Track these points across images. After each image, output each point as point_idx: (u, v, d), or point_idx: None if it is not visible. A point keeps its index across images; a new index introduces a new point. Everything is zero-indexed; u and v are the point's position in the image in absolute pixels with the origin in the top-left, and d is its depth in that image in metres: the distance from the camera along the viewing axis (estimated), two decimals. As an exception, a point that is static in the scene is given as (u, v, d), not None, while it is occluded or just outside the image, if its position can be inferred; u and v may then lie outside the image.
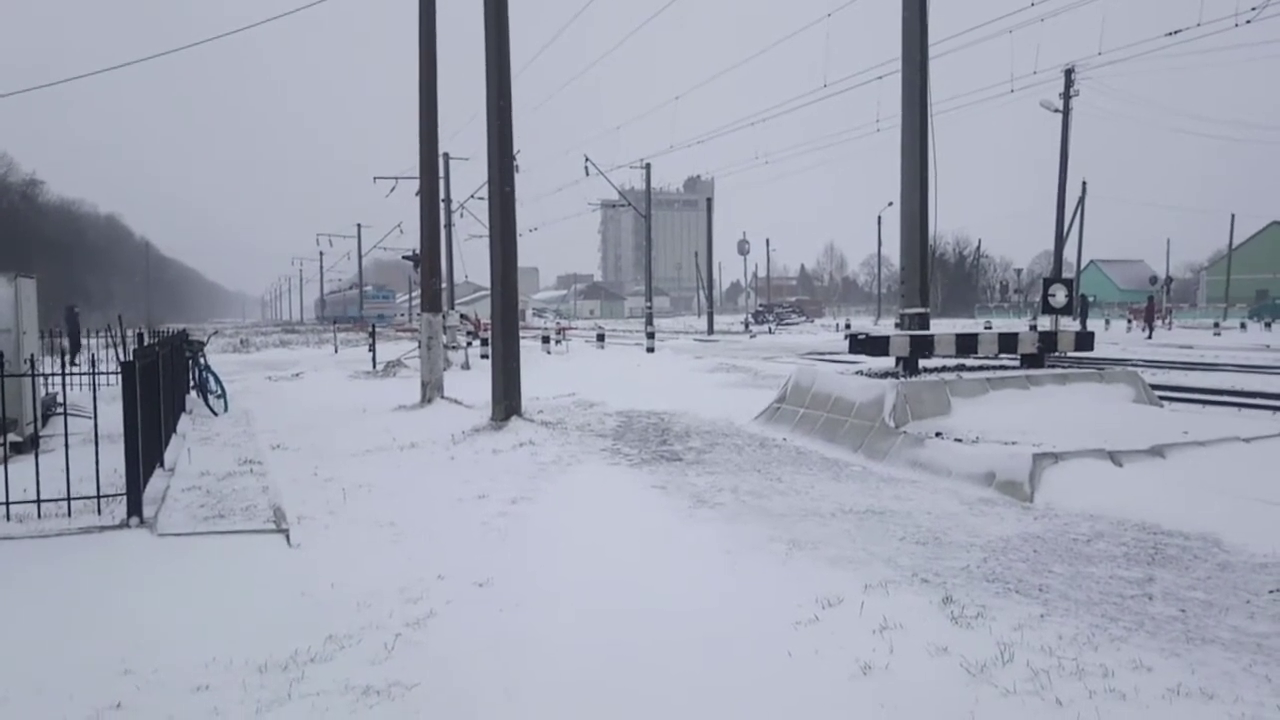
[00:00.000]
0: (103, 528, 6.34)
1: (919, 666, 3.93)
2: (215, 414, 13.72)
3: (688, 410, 13.26)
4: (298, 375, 21.30)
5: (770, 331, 53.91)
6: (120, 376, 6.67)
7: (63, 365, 7.69)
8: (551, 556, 5.87)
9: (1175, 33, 19.29)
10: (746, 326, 59.56)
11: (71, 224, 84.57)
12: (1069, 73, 33.77)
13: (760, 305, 78.23)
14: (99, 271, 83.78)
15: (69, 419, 7.62)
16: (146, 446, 7.10)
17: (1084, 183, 42.95)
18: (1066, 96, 34.19)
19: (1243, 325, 44.96)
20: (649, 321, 39.20)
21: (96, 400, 7.28)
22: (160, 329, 19.95)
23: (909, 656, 4.03)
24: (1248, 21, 16.51)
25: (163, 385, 9.18)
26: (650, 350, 28.73)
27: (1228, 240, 68.85)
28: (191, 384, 14.91)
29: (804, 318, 74.15)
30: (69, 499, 6.66)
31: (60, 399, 11.87)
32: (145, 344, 8.42)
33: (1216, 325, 42.51)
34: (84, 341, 24.85)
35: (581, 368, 21.36)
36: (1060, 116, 34.46)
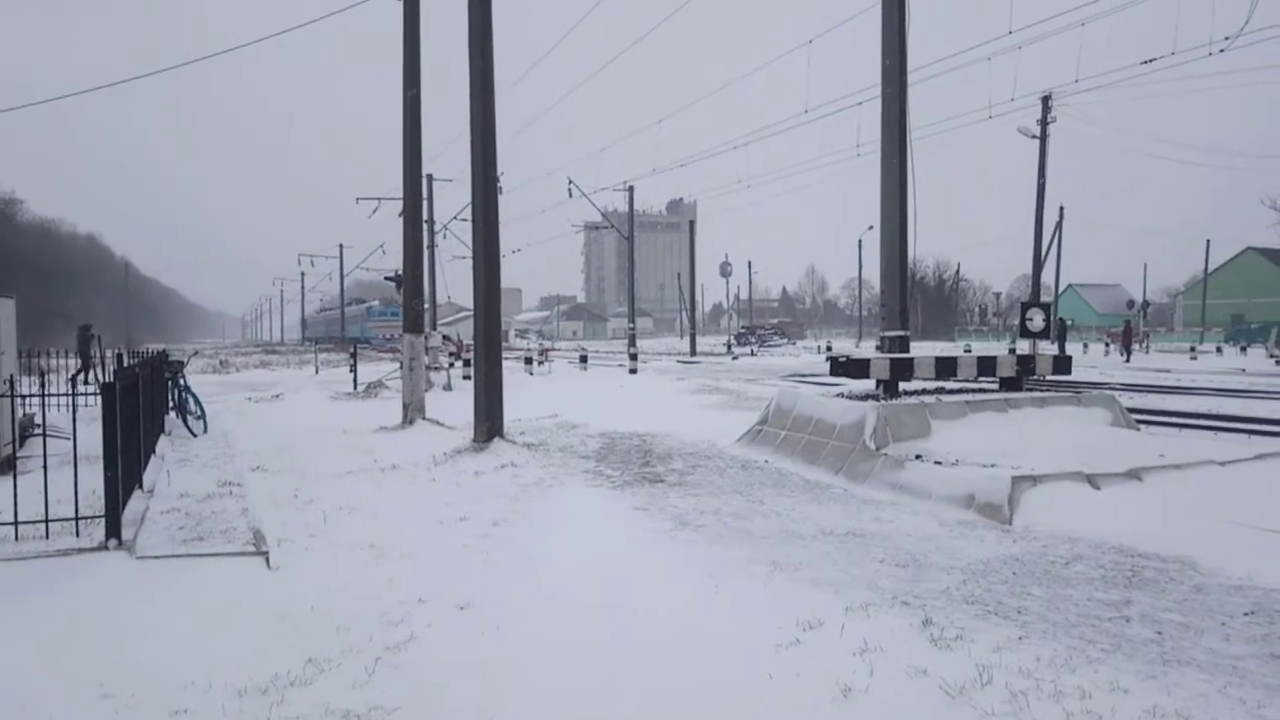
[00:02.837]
0: (81, 550, 6.29)
1: (899, 689, 3.96)
2: (195, 435, 13.63)
3: (670, 432, 13.28)
4: (278, 396, 21.19)
5: (752, 353, 54.09)
6: (100, 398, 6.63)
7: (42, 386, 7.63)
8: (533, 579, 5.87)
9: (1150, 61, 19.60)
10: (729, 348, 59.73)
11: (51, 243, 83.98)
12: (1046, 99, 34.24)
13: (742, 327, 78.55)
14: (79, 291, 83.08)
15: (48, 440, 7.56)
16: (125, 468, 7.06)
17: (1061, 208, 43.55)
18: (1044, 123, 34.64)
19: (1219, 349, 45.44)
20: (632, 343, 39.29)
21: (75, 421, 7.24)
22: (140, 349, 19.83)
23: (889, 679, 4.05)
24: (1221, 50, 16.78)
25: (142, 406, 9.13)
26: (633, 372, 28.79)
27: (1203, 265, 69.72)
28: (171, 405, 14.81)
29: (786, 340, 74.48)
30: (47, 521, 6.60)
31: (38, 420, 11.77)
32: (124, 365, 8.38)
33: (1193, 349, 42.95)
34: (95, 358, 24.41)
35: (564, 389, 21.37)
36: (1038, 143, 34.89)
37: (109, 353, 21.56)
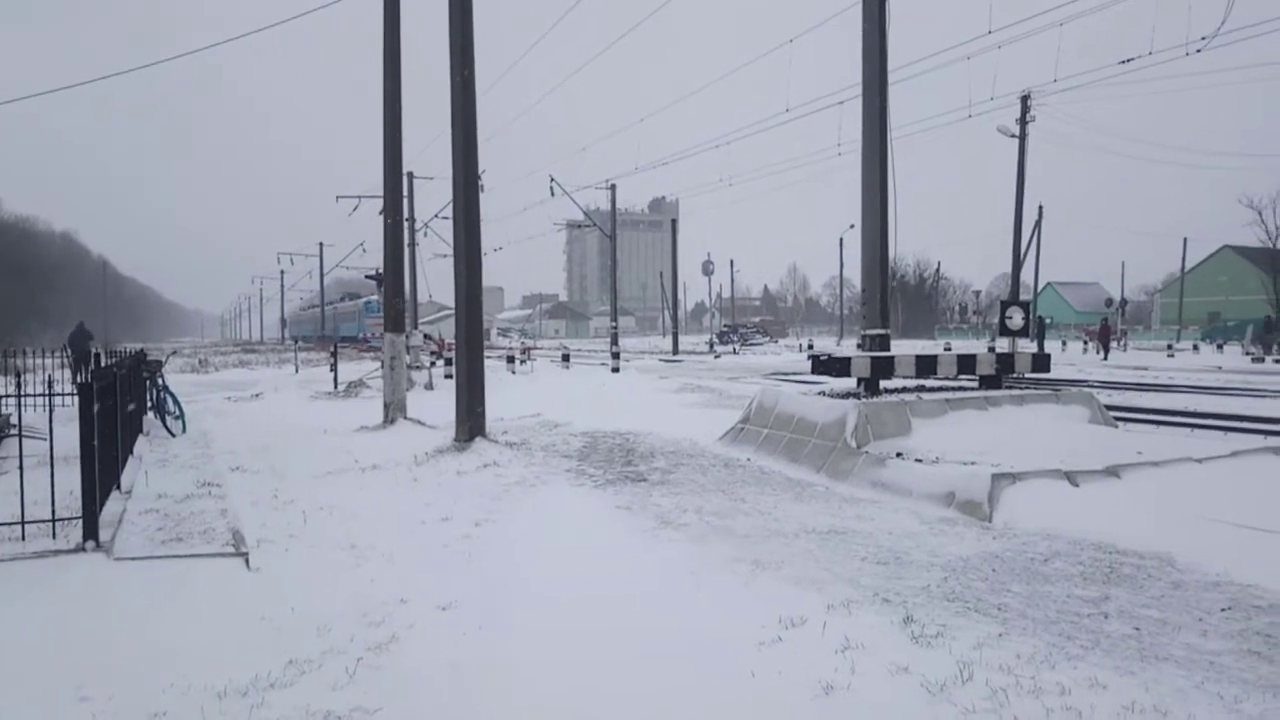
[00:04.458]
0: (58, 552, 6.23)
1: (880, 686, 3.97)
2: (173, 435, 13.53)
3: (653, 431, 13.28)
4: (258, 396, 21.06)
5: (734, 352, 54.17)
6: (77, 398, 6.57)
7: (18, 385, 7.54)
8: (515, 579, 5.85)
9: (1128, 61, 19.74)
10: (711, 347, 59.83)
11: (27, 241, 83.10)
12: (1025, 99, 34.43)
13: (725, 325, 78.66)
14: (56, 290, 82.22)
15: (24, 440, 7.48)
16: (103, 469, 6.99)
17: (1040, 206, 43.75)
18: (1023, 122, 34.85)
19: (1195, 347, 45.87)
20: (614, 341, 39.28)
21: (52, 422, 7.16)
22: (117, 349, 19.65)
23: (870, 676, 4.07)
24: (1198, 51, 16.91)
25: (120, 406, 9.04)
26: (615, 370, 28.74)
27: (1181, 263, 70.36)
28: (149, 405, 14.69)
29: (768, 338, 74.64)
30: (23, 522, 6.53)
31: (14, 420, 11.64)
32: (102, 364, 8.30)
33: (1170, 347, 43.36)
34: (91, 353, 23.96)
35: (546, 388, 21.33)
36: (1017, 142, 35.09)
37: (92, 351, 21.31)
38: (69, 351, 23.45)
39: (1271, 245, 56.09)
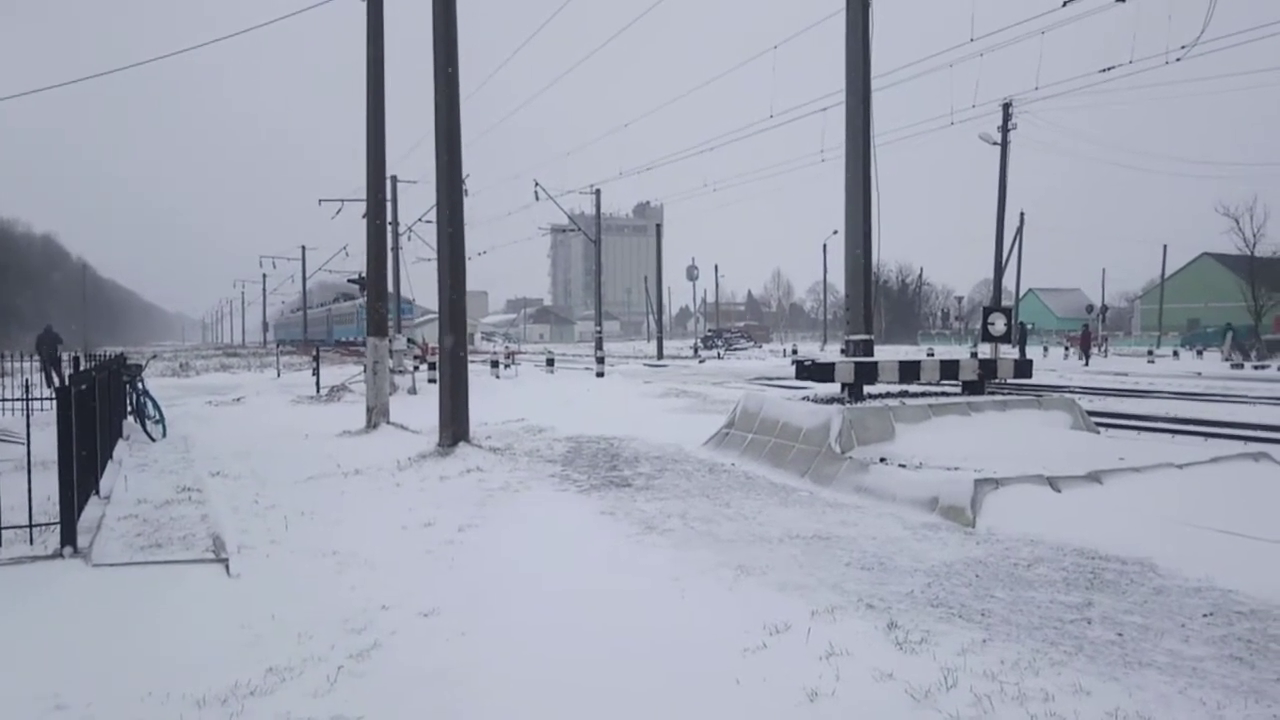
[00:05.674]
0: (35, 558, 6.15)
1: (865, 693, 3.97)
2: (153, 440, 13.41)
3: (637, 435, 13.26)
4: (239, 400, 20.93)
5: (719, 357, 54.20)
6: (55, 402, 6.50)
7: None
8: (499, 585, 5.82)
9: (1108, 69, 19.88)
10: (696, 351, 59.85)
11: (7, 243, 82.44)
12: (1007, 106, 34.63)
13: (709, 330, 78.86)
14: (35, 292, 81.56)
15: (0, 445, 7.39)
16: (82, 474, 6.91)
17: (1022, 214, 44.05)
18: (1004, 130, 35.04)
19: (1175, 353, 46.21)
20: (599, 346, 39.24)
21: (30, 426, 7.08)
22: (97, 352, 19.47)
23: (855, 683, 4.06)
24: (1178, 59, 17.05)
25: (99, 410, 8.95)
26: (600, 375, 28.72)
27: (1160, 270, 70.94)
28: (129, 409, 14.56)
29: (752, 343, 74.70)
30: (-1, 528, 6.45)
31: (-10, 424, 11.51)
32: (81, 368, 8.21)
33: (1150, 353, 43.63)
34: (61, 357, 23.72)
35: (531, 392, 21.28)
36: (999, 149, 35.29)
37: (64, 355, 21.13)
38: (38, 354, 23.29)
39: (1249, 253, 56.55)
